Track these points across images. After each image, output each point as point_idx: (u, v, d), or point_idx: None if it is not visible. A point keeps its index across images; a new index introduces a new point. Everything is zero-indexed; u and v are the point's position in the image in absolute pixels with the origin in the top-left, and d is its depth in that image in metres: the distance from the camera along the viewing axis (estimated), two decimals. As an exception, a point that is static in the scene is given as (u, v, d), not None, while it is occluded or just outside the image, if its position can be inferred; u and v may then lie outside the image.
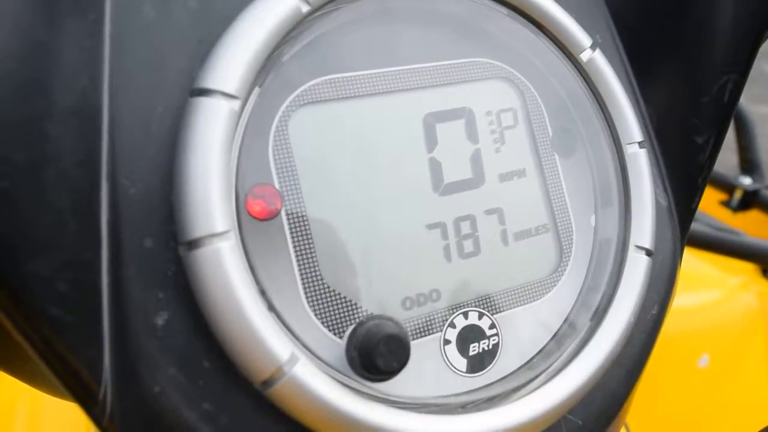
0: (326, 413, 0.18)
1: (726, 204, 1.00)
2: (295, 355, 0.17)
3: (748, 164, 0.98)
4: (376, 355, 0.18)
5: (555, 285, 0.24)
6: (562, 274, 0.24)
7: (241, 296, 0.17)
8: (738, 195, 0.97)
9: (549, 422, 0.21)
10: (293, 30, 0.19)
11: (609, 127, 0.24)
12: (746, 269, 0.83)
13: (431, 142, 0.22)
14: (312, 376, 0.18)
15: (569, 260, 0.24)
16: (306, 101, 0.20)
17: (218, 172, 0.17)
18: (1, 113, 0.16)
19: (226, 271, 0.17)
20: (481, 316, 0.22)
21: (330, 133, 0.21)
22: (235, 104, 0.18)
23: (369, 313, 0.20)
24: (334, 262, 0.20)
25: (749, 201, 0.96)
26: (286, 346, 0.17)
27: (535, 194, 0.24)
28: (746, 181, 0.97)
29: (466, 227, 0.22)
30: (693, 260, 0.82)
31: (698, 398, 0.75)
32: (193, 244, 0.17)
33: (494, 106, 0.23)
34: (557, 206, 0.24)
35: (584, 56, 0.23)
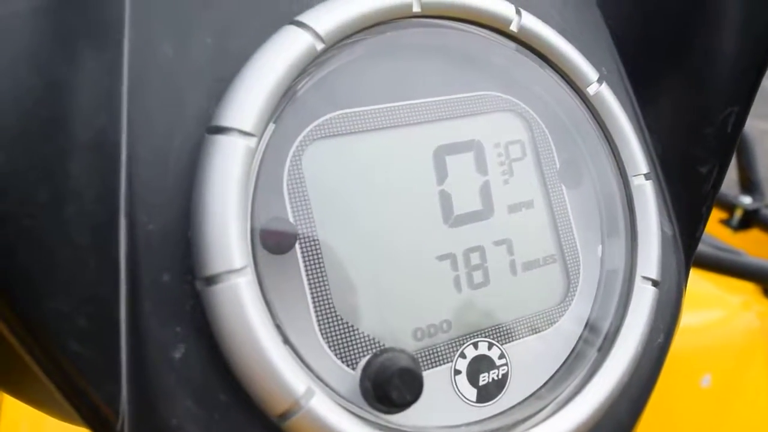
0: None
1: (726, 223, 1.00)
2: (311, 388, 0.18)
3: (749, 183, 0.98)
4: (390, 388, 0.18)
5: (562, 315, 0.24)
6: (570, 304, 0.24)
7: (258, 331, 0.17)
8: (738, 214, 0.98)
9: None
10: (307, 67, 0.20)
11: (615, 159, 0.24)
12: (747, 288, 0.83)
13: (441, 174, 0.22)
14: (327, 409, 0.18)
15: (576, 290, 0.24)
16: (319, 136, 0.21)
17: (236, 209, 0.18)
18: (24, 153, 0.16)
19: (244, 306, 0.17)
20: (490, 346, 0.22)
21: (343, 167, 0.21)
22: (252, 141, 0.18)
23: (381, 344, 0.20)
24: (346, 294, 0.20)
25: (749, 220, 0.97)
26: (302, 380, 0.18)
27: (543, 225, 0.24)
28: (746, 200, 0.97)
29: (475, 258, 0.23)
30: (694, 280, 0.82)
31: (700, 418, 0.75)
32: (211, 279, 0.18)
33: (502, 138, 0.24)
34: (564, 237, 0.24)
35: (591, 90, 0.24)
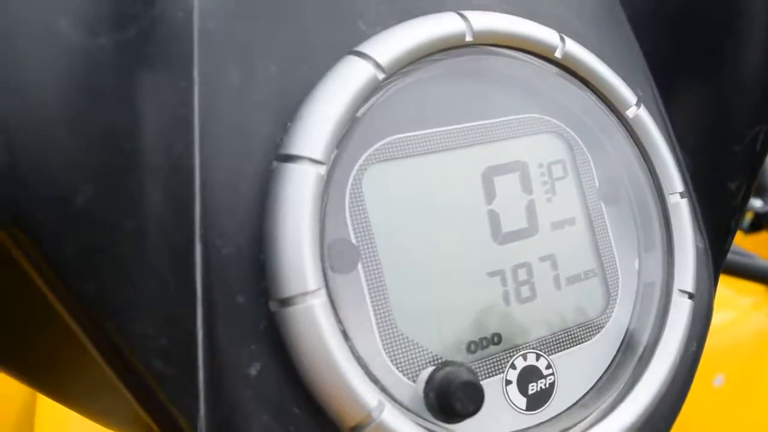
0: None
1: (737, 225, 1.01)
2: (381, 401, 0.19)
3: (758, 186, 0.99)
4: (454, 400, 0.19)
5: (604, 326, 0.25)
6: (610, 316, 0.25)
7: (332, 349, 0.19)
8: (749, 217, 0.99)
9: None
10: (368, 95, 0.21)
11: (652, 177, 0.26)
12: (757, 290, 0.84)
13: (490, 194, 0.24)
14: (397, 420, 0.19)
15: (616, 302, 0.26)
16: (377, 160, 0.22)
17: (309, 234, 0.19)
18: (112, 185, 0.18)
19: (319, 325, 0.19)
20: (538, 357, 0.23)
21: (399, 189, 0.22)
22: (322, 169, 0.19)
23: (439, 357, 0.22)
24: (405, 310, 0.21)
25: (760, 223, 0.98)
26: (373, 394, 0.19)
27: (584, 241, 0.25)
28: (757, 203, 0.98)
29: (522, 274, 0.24)
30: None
31: (713, 418, 0.77)
32: (286, 301, 0.19)
33: (545, 158, 0.25)
34: (604, 252, 0.26)
35: (630, 113, 0.25)
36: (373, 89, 0.21)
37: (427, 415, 0.20)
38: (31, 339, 0.25)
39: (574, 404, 0.24)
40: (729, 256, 0.83)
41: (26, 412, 0.61)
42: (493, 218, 0.23)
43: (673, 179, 0.26)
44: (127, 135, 0.18)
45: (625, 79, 0.26)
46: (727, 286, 0.83)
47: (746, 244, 0.91)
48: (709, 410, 0.76)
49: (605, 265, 0.26)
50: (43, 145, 0.16)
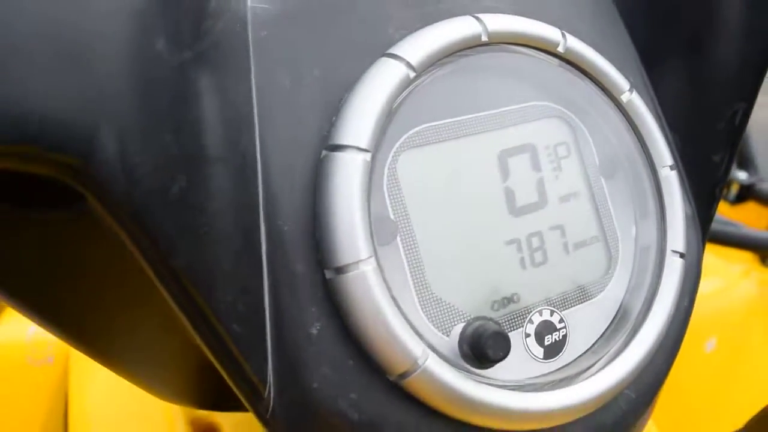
0: (451, 396, 0.23)
1: (724, 198, 1.05)
2: (425, 351, 0.22)
3: (743, 160, 1.04)
4: (486, 348, 0.23)
5: (607, 285, 0.29)
6: (612, 276, 0.29)
7: (382, 307, 0.22)
8: (735, 189, 1.03)
9: (613, 395, 0.26)
10: (402, 92, 0.24)
11: (645, 153, 0.29)
12: (745, 258, 0.89)
13: (505, 173, 0.27)
14: (438, 367, 0.23)
15: (617, 264, 0.29)
16: (409, 146, 0.25)
17: (359, 211, 0.22)
18: (199, 175, 0.21)
19: (371, 287, 0.22)
20: (552, 313, 0.27)
21: (428, 171, 0.25)
22: (367, 156, 0.23)
23: (467, 314, 0.25)
24: (438, 275, 0.25)
25: (745, 194, 1.02)
26: (418, 345, 0.22)
27: (587, 211, 0.29)
28: (742, 176, 1.03)
29: (535, 241, 0.27)
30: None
31: (706, 380, 0.81)
32: (341, 269, 0.22)
33: (552, 140, 0.28)
34: (605, 220, 0.29)
35: (624, 98, 0.29)
36: (405, 86, 0.24)
37: (462, 363, 0.24)
38: (101, 307, 0.29)
39: (584, 352, 0.27)
40: (718, 225, 0.87)
41: (55, 414, 0.64)
42: (509, 194, 0.27)
43: (664, 154, 0.29)
44: (207, 133, 0.21)
45: (618, 68, 0.29)
46: (717, 255, 0.88)
47: (733, 215, 0.96)
48: (702, 373, 0.80)
49: (606, 232, 0.29)
50: (148, 144, 0.19)
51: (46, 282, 0.26)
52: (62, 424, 0.63)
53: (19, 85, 0.16)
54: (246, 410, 0.37)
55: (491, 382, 0.24)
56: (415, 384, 0.23)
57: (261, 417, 0.24)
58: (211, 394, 0.36)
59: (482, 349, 0.23)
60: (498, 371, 0.25)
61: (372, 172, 0.24)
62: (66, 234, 0.24)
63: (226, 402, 0.37)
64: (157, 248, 0.20)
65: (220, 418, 0.49)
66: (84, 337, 0.30)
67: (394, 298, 0.23)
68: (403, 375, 0.23)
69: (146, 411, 0.52)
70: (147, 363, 0.33)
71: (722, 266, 0.88)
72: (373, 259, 0.22)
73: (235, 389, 0.23)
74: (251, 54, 0.23)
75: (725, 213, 0.99)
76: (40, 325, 0.29)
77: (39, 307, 0.27)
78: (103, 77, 0.18)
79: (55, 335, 0.30)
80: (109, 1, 0.19)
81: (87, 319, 0.29)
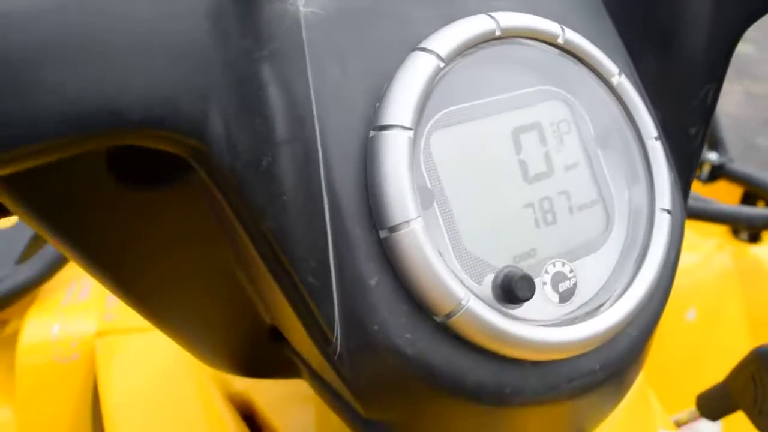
0: (489, 331, 0.27)
1: (697, 177, 1.12)
2: (467, 293, 0.27)
3: (714, 142, 1.11)
4: (515, 289, 0.28)
5: (606, 240, 0.34)
6: (611, 233, 0.34)
7: (430, 257, 0.27)
8: (707, 169, 1.10)
9: (618, 331, 0.31)
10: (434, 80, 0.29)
11: (634, 128, 0.34)
12: (719, 232, 0.95)
13: (518, 147, 0.32)
14: (478, 307, 0.27)
15: (614, 222, 0.34)
16: (439, 126, 0.30)
17: (407, 180, 0.27)
18: (280, 152, 0.25)
19: (420, 242, 0.27)
20: (563, 264, 0.32)
21: (455, 147, 0.30)
22: (410, 133, 0.27)
23: (495, 266, 0.30)
24: (469, 234, 0.29)
25: (716, 173, 1.09)
26: (461, 289, 0.27)
27: (587, 178, 0.34)
28: (713, 156, 1.10)
29: (546, 205, 0.32)
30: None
31: (689, 346, 0.87)
32: (393, 228, 0.27)
33: (555, 119, 0.33)
34: (602, 186, 0.34)
35: (614, 80, 0.34)
36: (436, 74, 0.29)
37: (495, 304, 0.29)
38: (169, 273, 0.33)
39: (592, 297, 0.32)
40: (693, 202, 0.94)
41: (83, 409, 0.67)
42: (522, 165, 0.32)
43: (649, 127, 0.34)
44: (280, 118, 0.26)
45: (608, 55, 0.34)
46: (693, 231, 0.94)
47: (706, 193, 1.02)
48: (685, 340, 0.86)
49: (604, 195, 0.34)
50: (243, 127, 0.24)
51: (128, 247, 0.30)
52: (90, 418, 0.66)
53: (156, 77, 0.21)
54: (279, 377, 0.42)
55: (523, 319, 0.29)
56: (458, 322, 0.27)
57: (329, 359, 0.28)
58: (252, 361, 0.40)
59: (512, 290, 0.28)
60: (524, 312, 0.29)
61: (412, 148, 0.28)
62: (159, 203, 0.28)
63: (264, 370, 0.41)
64: (251, 213, 0.24)
65: (256, 395, 0.53)
66: (147, 300, 0.34)
67: (438, 252, 0.28)
68: (449, 315, 0.27)
69: (182, 392, 0.55)
70: (198, 327, 0.37)
71: (698, 241, 0.94)
72: (420, 219, 0.27)
73: (307, 335, 0.28)
74: (306, 50, 0.28)
75: (699, 191, 1.05)
76: (106, 285, 0.32)
77: (114, 270, 0.31)
78: (212, 72, 0.22)
79: (116, 295, 0.34)
80: (207, 7, 0.23)
81: (154, 282, 0.33)
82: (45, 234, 0.29)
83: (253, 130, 0.24)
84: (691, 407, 0.61)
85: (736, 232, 0.95)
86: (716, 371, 0.70)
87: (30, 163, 0.20)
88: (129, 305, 0.35)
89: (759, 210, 0.93)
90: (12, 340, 0.69)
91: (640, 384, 0.45)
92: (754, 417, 0.53)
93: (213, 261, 0.32)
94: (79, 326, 0.69)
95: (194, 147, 0.22)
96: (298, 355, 0.35)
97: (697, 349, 0.88)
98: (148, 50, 0.20)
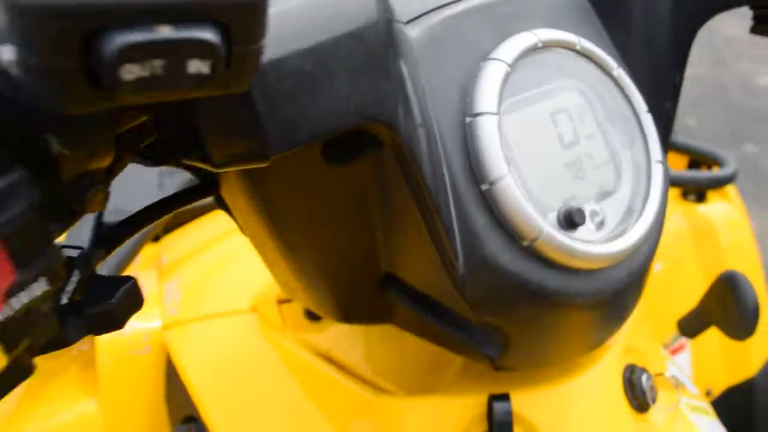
0: (561, 249, 0.40)
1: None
2: (544, 224, 0.39)
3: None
4: (575, 218, 0.40)
5: (619, 188, 0.47)
6: (620, 183, 0.47)
7: (520, 201, 0.39)
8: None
9: (637, 248, 0.44)
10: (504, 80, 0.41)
11: (630, 105, 0.48)
12: (671, 197, 1.11)
13: (555, 125, 0.44)
14: (552, 231, 0.40)
15: (622, 176, 0.47)
16: (508, 111, 0.42)
17: (499, 148, 0.39)
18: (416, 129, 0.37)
19: (513, 190, 0.39)
20: (595, 203, 0.45)
21: (519, 125, 0.42)
22: (497, 117, 0.40)
23: (552, 206, 0.42)
24: (535, 186, 0.42)
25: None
26: (541, 220, 0.39)
27: (602, 144, 0.47)
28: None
29: (577, 164, 0.45)
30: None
31: (659, 294, 1.02)
32: (493, 182, 0.39)
33: (577, 103, 0.46)
34: (612, 149, 0.47)
35: (615, 73, 0.47)
36: (506, 76, 0.41)
37: (561, 231, 0.41)
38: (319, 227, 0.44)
39: (616, 225, 0.45)
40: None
41: (158, 398, 0.75)
42: (559, 137, 0.44)
43: (641, 104, 0.48)
44: (417, 108, 0.37)
45: (608, 53, 0.47)
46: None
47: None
48: (655, 288, 1.01)
49: (614, 156, 0.47)
50: (407, 113, 0.35)
51: (309, 211, 0.41)
52: (164, 402, 0.75)
53: (375, 87, 0.32)
54: (371, 323, 0.54)
55: (579, 239, 0.41)
56: (540, 245, 0.40)
57: (454, 279, 0.40)
58: (355, 307, 0.51)
59: (572, 218, 0.40)
60: (578, 235, 0.42)
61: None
62: (341, 175, 0.39)
63: (362, 315, 0.52)
64: (421, 175, 0.36)
65: (339, 354, 0.63)
66: (300, 255, 0.45)
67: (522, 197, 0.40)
68: (533, 240, 0.40)
69: (264, 359, 0.65)
70: (327, 277, 0.48)
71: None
72: (509, 175, 0.39)
73: (441, 264, 0.39)
74: (403, 50, 0.39)
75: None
76: (275, 247, 0.44)
77: (290, 233, 0.43)
78: (391, 80, 0.34)
79: (272, 257, 0.45)
80: (382, 41, 0.34)
81: (312, 239, 0.44)
82: (244, 215, 0.40)
83: (413, 115, 0.36)
84: (674, 332, 0.76)
85: (684, 195, 1.12)
86: (681, 311, 0.85)
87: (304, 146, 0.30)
88: (276, 263, 0.46)
89: (704, 172, 1.10)
90: (89, 339, 0.76)
91: (641, 307, 0.58)
92: (725, 328, 0.67)
93: (357, 221, 0.43)
94: (146, 322, 0.76)
95: (389, 130, 0.34)
96: (408, 292, 0.46)
97: (664, 296, 1.04)
98: (371, 74, 0.32)
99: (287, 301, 0.66)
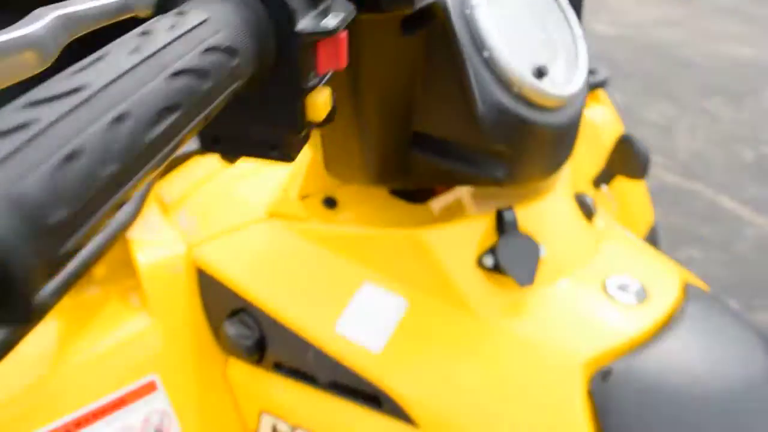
0: (539, 92, 0.60)
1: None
2: (528, 76, 0.59)
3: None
4: (543, 70, 0.60)
5: (561, 55, 0.68)
6: (559, 52, 0.68)
7: (510, 61, 0.58)
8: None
9: (580, 92, 0.66)
10: None
11: (563, 12, 0.69)
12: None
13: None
14: (533, 80, 0.60)
15: (559, 48, 0.68)
16: (492, 3, 0.61)
17: (489, 24, 0.58)
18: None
19: (506, 56, 0.58)
20: (551, 64, 0.65)
21: (500, 7, 0.62)
22: (486, 8, 0.59)
23: (529, 66, 0.62)
24: (515, 49, 0.62)
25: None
26: (527, 72, 0.59)
27: (550, 25, 0.67)
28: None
29: (540, 37, 0.65)
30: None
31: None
32: (491, 50, 0.58)
33: (552, 9, 0.67)
34: (553, 29, 0.68)
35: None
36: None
37: (537, 81, 0.61)
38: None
39: (565, 78, 0.66)
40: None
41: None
42: (544, 27, 0.64)
43: (569, 9, 0.69)
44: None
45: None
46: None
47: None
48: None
49: (553, 33, 0.68)
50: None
51: (379, 78, 0.58)
52: (202, 312, 0.84)
53: None
54: (398, 185, 0.74)
55: (547, 86, 0.62)
56: (525, 91, 0.60)
57: (476, 116, 0.58)
58: (387, 168, 0.68)
59: (540, 71, 0.60)
60: (548, 84, 0.62)
61: None
62: (406, 45, 0.56)
63: (392, 175, 0.69)
64: (455, 42, 0.54)
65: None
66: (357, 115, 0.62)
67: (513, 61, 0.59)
68: (521, 87, 0.59)
69: (292, 240, 0.77)
70: (367, 134, 0.64)
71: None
72: (500, 45, 0.58)
73: (465, 107, 0.58)
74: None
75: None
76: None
77: (365, 95, 0.59)
78: None
79: None
80: None
81: (368, 99, 0.61)
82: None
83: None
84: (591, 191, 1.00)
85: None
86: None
87: None
88: (339, 136, 0.62)
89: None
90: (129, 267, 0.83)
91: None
92: (627, 172, 0.92)
93: (409, 82, 0.60)
94: (171, 250, 0.84)
95: (442, 10, 0.52)
96: (431, 145, 0.64)
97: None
98: None
99: (306, 197, 0.80)
